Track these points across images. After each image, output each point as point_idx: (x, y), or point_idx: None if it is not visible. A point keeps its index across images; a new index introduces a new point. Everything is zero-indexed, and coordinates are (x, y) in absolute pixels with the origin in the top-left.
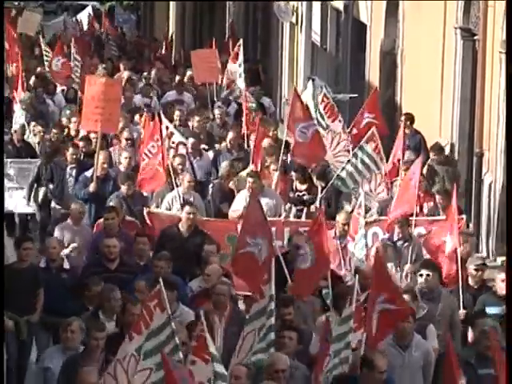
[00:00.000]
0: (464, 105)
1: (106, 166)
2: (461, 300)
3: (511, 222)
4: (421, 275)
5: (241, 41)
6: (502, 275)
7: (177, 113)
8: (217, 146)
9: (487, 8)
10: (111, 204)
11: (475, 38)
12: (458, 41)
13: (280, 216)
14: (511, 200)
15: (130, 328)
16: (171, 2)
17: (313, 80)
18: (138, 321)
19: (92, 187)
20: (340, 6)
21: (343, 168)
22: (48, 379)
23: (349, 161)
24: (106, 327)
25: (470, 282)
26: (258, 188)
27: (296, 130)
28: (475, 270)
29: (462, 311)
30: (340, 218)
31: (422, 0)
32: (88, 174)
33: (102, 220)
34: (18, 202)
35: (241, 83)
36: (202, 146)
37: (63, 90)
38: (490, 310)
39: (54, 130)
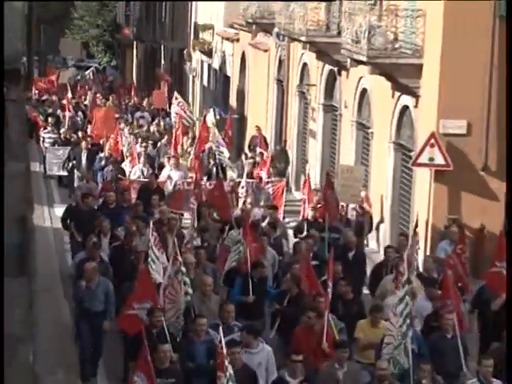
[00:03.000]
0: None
1: (109, 151)
2: None
3: (511, 222)
4: None
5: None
6: None
7: (141, 122)
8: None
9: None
10: (108, 176)
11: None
12: (275, 90)
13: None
14: (511, 200)
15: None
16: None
17: (214, 110)
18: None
19: (102, 163)
20: (216, 66)
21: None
22: None
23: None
24: None
25: None
26: (175, 164)
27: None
28: None
29: None
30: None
31: (257, 57)
32: (101, 155)
33: (105, 184)
34: (57, 169)
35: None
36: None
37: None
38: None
39: (78, 133)
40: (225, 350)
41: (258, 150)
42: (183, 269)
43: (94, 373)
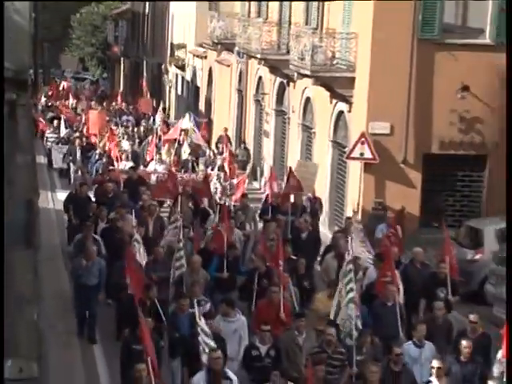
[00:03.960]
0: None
1: (102, 148)
2: None
3: (511, 223)
4: None
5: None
6: None
7: (127, 124)
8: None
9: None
10: (101, 168)
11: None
12: (236, 98)
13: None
14: (511, 200)
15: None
16: (121, 75)
17: (189, 115)
18: None
19: (96, 157)
20: (188, 78)
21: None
22: None
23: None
24: None
25: None
26: (160, 159)
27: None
28: None
29: None
30: None
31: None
32: (97, 151)
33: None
34: (59, 162)
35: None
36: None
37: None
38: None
39: (76, 134)
40: (202, 321)
41: (224, 147)
42: (180, 245)
43: (93, 339)
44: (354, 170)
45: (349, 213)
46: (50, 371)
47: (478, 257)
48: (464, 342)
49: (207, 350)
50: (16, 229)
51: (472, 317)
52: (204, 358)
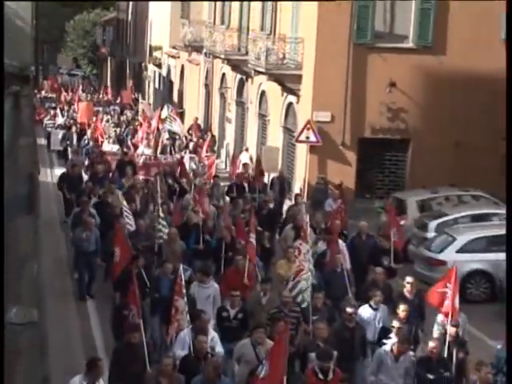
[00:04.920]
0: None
1: (91, 134)
2: None
3: (511, 223)
4: None
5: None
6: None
7: (113, 113)
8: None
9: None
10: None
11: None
12: (203, 91)
13: None
14: (511, 200)
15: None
16: (108, 72)
17: (167, 105)
18: None
19: (86, 141)
20: (164, 74)
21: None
22: None
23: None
24: None
25: None
26: (147, 143)
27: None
28: None
29: None
30: None
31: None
32: (86, 136)
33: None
34: (57, 145)
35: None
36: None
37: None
38: None
39: (70, 121)
40: (183, 283)
41: (194, 134)
42: (162, 214)
43: (90, 294)
44: (301, 151)
45: (297, 187)
46: (48, 320)
47: (402, 222)
48: (401, 306)
49: (185, 311)
50: (20, 198)
51: (408, 278)
52: (188, 318)
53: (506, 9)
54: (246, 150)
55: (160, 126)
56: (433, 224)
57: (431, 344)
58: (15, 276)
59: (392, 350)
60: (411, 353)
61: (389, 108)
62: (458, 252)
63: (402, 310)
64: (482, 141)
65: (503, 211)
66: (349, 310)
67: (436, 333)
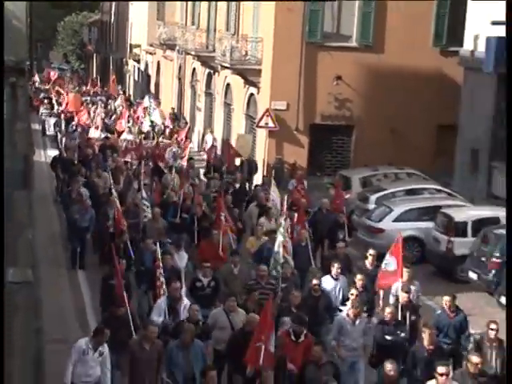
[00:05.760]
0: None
1: (77, 120)
2: None
3: (510, 223)
4: None
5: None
6: None
7: (99, 103)
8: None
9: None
10: (77, 137)
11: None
12: (176, 84)
13: None
14: (511, 200)
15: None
16: (94, 67)
17: (149, 96)
18: None
19: (74, 128)
20: (142, 69)
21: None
22: None
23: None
24: None
25: None
26: (129, 130)
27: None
28: None
29: None
30: None
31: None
32: (73, 123)
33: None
34: (51, 130)
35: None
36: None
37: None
38: None
39: (60, 109)
40: (160, 256)
41: (170, 122)
42: (144, 195)
43: (82, 265)
44: (261, 135)
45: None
46: (42, 281)
47: (347, 196)
48: (358, 275)
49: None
50: (17, 175)
51: (371, 251)
52: (164, 287)
53: (506, 9)
54: (211, 131)
55: (142, 115)
56: (373, 197)
57: (387, 310)
58: (13, 241)
59: (348, 315)
60: (373, 318)
61: (336, 98)
62: (394, 221)
63: (358, 278)
64: (415, 126)
65: (432, 186)
66: (314, 281)
67: (392, 299)
